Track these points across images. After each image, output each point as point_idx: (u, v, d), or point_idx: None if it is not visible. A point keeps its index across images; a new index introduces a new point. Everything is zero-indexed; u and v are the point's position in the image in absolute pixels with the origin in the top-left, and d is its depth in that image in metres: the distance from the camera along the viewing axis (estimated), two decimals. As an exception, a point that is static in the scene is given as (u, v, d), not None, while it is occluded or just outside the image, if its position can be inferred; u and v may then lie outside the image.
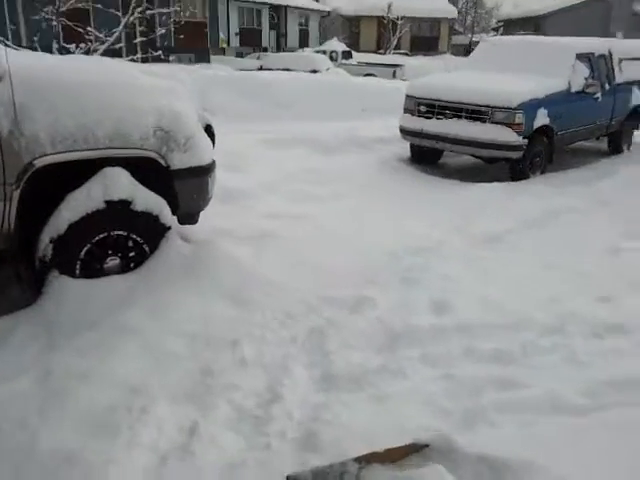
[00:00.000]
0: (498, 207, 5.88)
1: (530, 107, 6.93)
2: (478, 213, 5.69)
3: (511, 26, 41.45)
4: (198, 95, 8.71)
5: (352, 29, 41.54)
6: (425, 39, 42.24)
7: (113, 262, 3.39)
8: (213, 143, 4.36)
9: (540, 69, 7.57)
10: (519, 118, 6.83)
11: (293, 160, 7.23)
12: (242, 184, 5.87)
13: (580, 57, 7.87)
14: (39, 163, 2.99)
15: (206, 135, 3.96)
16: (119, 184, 3.28)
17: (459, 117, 7.16)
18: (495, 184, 6.76)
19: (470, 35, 53.09)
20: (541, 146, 7.31)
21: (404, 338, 3.22)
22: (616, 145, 9.28)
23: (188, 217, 3.82)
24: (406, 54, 37.73)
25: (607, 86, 8.28)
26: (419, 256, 4.45)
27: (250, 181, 6.06)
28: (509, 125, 6.85)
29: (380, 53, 36.64)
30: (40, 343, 2.81)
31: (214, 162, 3.92)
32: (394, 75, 23.21)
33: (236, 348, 2.88)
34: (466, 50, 48.12)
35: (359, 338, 3.18)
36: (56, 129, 3.02)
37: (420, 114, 7.54)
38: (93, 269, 3.32)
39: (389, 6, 36.72)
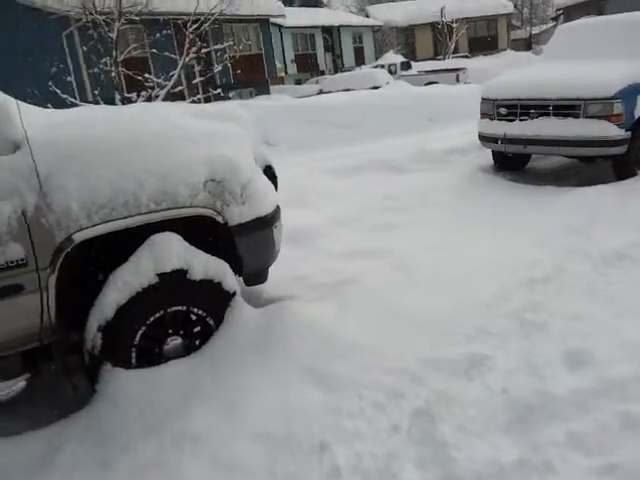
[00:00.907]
0: (613, 215, 5.00)
1: (629, 94, 5.98)
2: (591, 224, 4.83)
3: (572, 13, 39.22)
4: (258, 130, 8.31)
5: (407, 39, 40.84)
6: (483, 39, 40.88)
7: (174, 343, 2.88)
8: (275, 186, 3.84)
9: (630, 50, 6.61)
10: (618, 108, 5.91)
11: (365, 187, 6.63)
12: (312, 221, 5.32)
13: (679, 30, 6.85)
14: (75, 239, 2.54)
15: (266, 178, 3.43)
16: (171, 252, 2.79)
17: (546, 115, 6.31)
18: (600, 187, 5.84)
19: (529, 28, 51.10)
20: (648, 136, 6.33)
21: (539, 412, 2.50)
22: None
23: (255, 277, 3.28)
24: (465, 56, 36.62)
25: None
26: (534, 290, 3.69)
27: (320, 217, 5.50)
28: (607, 117, 5.94)
29: (439, 59, 35.74)
30: (92, 459, 2.32)
31: (278, 208, 3.38)
32: (457, 79, 22.31)
33: (325, 453, 2.26)
34: (527, 44, 46.28)
35: (480, 417, 2.49)
36: (90, 197, 2.56)
37: (501, 117, 6.74)
38: (151, 355, 2.82)
39: (442, 11, 35.86)
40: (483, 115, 7.05)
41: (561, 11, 43.63)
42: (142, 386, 2.60)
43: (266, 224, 3.18)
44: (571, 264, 4.08)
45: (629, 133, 6.00)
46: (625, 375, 2.75)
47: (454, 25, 35.71)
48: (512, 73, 7.67)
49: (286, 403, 2.51)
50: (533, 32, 50.70)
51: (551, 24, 52.37)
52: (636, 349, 2.98)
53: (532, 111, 6.40)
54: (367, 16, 40.12)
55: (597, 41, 7.10)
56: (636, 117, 6.05)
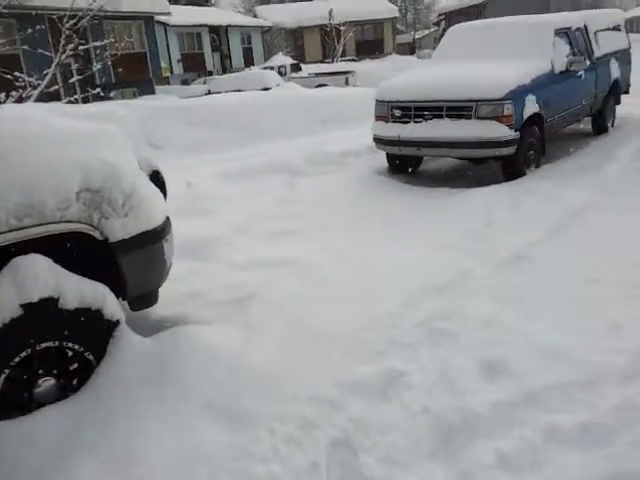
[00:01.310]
0: (508, 215, 5.07)
1: (518, 95, 6.15)
2: (488, 225, 4.87)
3: (453, 18, 41.39)
4: (142, 132, 7.74)
5: (296, 41, 40.94)
6: (370, 42, 41.86)
7: (47, 385, 2.43)
8: (164, 193, 3.45)
9: (518, 51, 6.85)
10: (508, 109, 6.05)
11: (261, 191, 6.32)
12: (207, 230, 4.92)
13: (558, 33, 7.18)
14: None
15: (153, 185, 3.04)
16: (37, 277, 2.33)
17: (440, 117, 6.34)
18: (493, 187, 5.95)
19: (413, 32, 53.13)
20: (533, 137, 6.54)
21: (463, 432, 2.34)
22: (601, 124, 8.60)
23: (142, 300, 2.88)
24: (353, 60, 37.28)
25: (587, 62, 7.59)
26: (441, 296, 3.58)
27: (216, 224, 5.11)
28: (498, 119, 6.06)
29: (327, 62, 36.09)
30: None
31: (168, 220, 3.00)
32: (347, 82, 22.56)
33: (236, 509, 1.95)
34: (411, 48, 48.06)
35: (404, 444, 2.28)
36: None
37: (395, 119, 6.70)
38: (19, 402, 2.35)
39: (330, 13, 36.23)
40: (378, 117, 6.99)
41: (443, 16, 45.87)
42: (7, 441, 2.13)
43: (154, 238, 2.80)
44: (473, 267, 4.03)
45: (518, 134, 6.16)
46: (543, 383, 2.67)
47: (342, 28, 36.21)
48: (406, 75, 7.70)
49: (187, 449, 2.15)
50: (416, 37, 52.77)
51: (433, 29, 54.88)
52: (550, 354, 2.93)
53: (426, 113, 6.40)
54: (255, 17, 39.74)
55: (486, 43, 7.29)
56: (525, 118, 6.23)
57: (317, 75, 24.21)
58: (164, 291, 3.06)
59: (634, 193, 5.56)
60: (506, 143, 6.11)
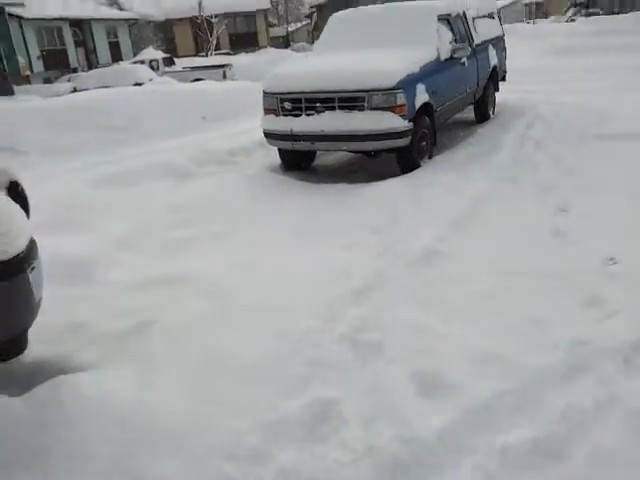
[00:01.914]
0: (412, 210, 4.90)
1: (409, 84, 6.02)
2: (394, 221, 4.66)
3: (324, 9, 41.75)
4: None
5: (166, 35, 39.31)
6: (244, 35, 41.15)
7: None
8: (26, 209, 2.85)
9: (404, 39, 6.74)
10: (401, 99, 5.90)
11: (146, 197, 5.70)
12: (86, 246, 4.30)
13: (441, 19, 7.16)
14: None
15: (11, 202, 2.46)
16: None
17: (332, 109, 6.07)
18: (392, 181, 5.80)
19: (286, 26, 53.06)
20: (425, 127, 6.46)
21: (415, 470, 2.04)
22: (484, 112, 8.79)
23: (7, 347, 2.30)
24: (228, 53, 36.41)
25: (469, 49, 7.67)
26: (360, 303, 3.29)
27: (96, 240, 4.49)
28: (391, 109, 5.89)
29: (201, 56, 34.99)
30: None
31: (33, 243, 2.44)
32: (224, 76, 21.83)
33: None
34: (285, 41, 47.93)
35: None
36: None
37: (286, 112, 6.35)
38: None
39: (200, 4, 35.11)
40: (267, 111, 6.60)
41: (314, 9, 46.10)
42: None
43: (15, 269, 2.23)
44: (387, 267, 3.80)
45: (412, 124, 6.04)
46: (482, 396, 2.46)
47: (214, 20, 35.23)
48: (293, 65, 7.36)
49: None
50: (290, 30, 52.77)
51: (305, 22, 55.15)
52: (481, 360, 2.73)
53: (318, 105, 6.11)
54: (121, 9, 37.60)
55: (370, 31, 7.12)
56: (417, 107, 6.12)
57: (193, 69, 23.25)
58: (38, 326, 2.50)
59: (527, 181, 5.64)
60: (401, 134, 5.97)
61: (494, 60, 8.80)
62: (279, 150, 6.91)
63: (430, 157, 6.72)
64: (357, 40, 7.04)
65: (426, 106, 6.37)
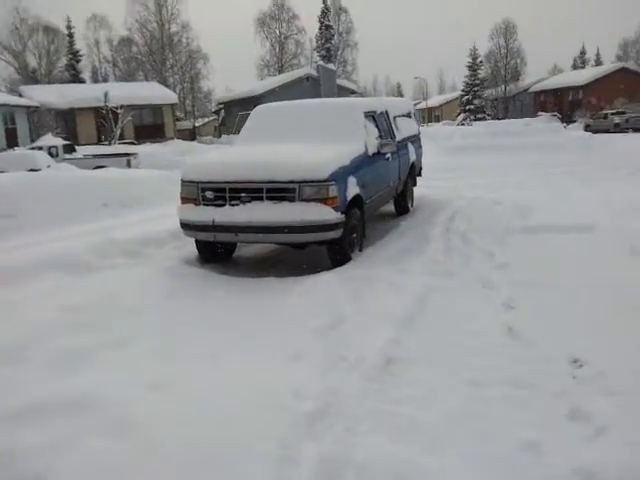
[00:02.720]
0: (355, 309, 4.40)
1: (341, 176, 5.72)
2: (338, 322, 4.12)
3: (231, 107, 42.69)
4: None
5: (67, 122, 38.22)
6: (150, 126, 40.87)
7: None
8: None
9: (332, 133, 6.54)
10: (333, 191, 5.55)
11: (34, 297, 4.78)
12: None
13: (367, 116, 7.08)
14: None
15: None
16: None
17: (260, 200, 5.60)
18: (325, 275, 5.31)
19: (193, 120, 53.64)
20: (356, 220, 6.14)
21: None
22: (404, 205, 8.74)
23: None
24: (132, 143, 35.81)
25: (395, 144, 7.62)
26: (320, 436, 2.64)
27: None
28: (323, 200, 5.51)
29: (104, 144, 34.12)
30: None
31: None
32: (129, 164, 21.10)
33: None
34: (191, 134, 48.20)
35: None
36: None
37: (207, 202, 5.79)
38: None
39: (106, 95, 34.71)
40: (185, 200, 6.01)
41: (222, 105, 47.02)
42: None
43: None
44: (341, 382, 3.21)
45: (344, 216, 5.69)
46: None
47: (119, 111, 34.80)
48: (217, 153, 6.94)
49: None
50: (196, 124, 53.39)
51: (212, 117, 56.09)
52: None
53: (243, 195, 5.62)
54: (21, 96, 36.35)
55: (296, 124, 6.87)
56: (348, 199, 5.79)
57: (95, 157, 22.36)
58: None
59: (465, 276, 5.38)
60: (333, 226, 5.57)
61: (413, 156, 8.88)
62: (196, 242, 6.27)
63: (360, 250, 6.36)
64: (285, 133, 6.75)
65: (356, 198, 6.08)
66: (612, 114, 34.05)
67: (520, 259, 5.87)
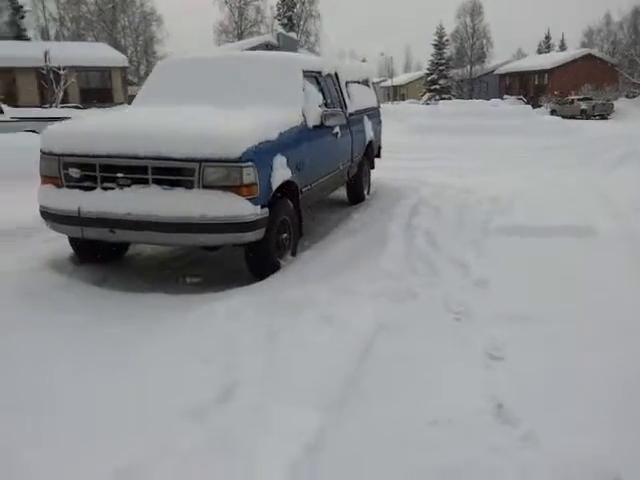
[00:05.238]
0: (261, 370, 2.80)
1: (263, 155, 4.04)
2: (223, 400, 2.52)
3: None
4: None
5: (6, 82, 35.17)
6: (97, 90, 38.08)
7: None
8: None
9: (259, 96, 4.86)
10: (249, 175, 3.88)
11: None
12: None
13: (308, 77, 5.41)
14: None
15: None
16: None
17: (144, 183, 3.91)
18: (234, 297, 3.69)
19: (146, 85, 50.68)
20: (287, 215, 4.52)
21: None
22: (359, 192, 7.14)
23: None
24: (77, 107, 33.12)
25: (343, 116, 5.96)
26: None
27: None
28: (234, 189, 3.86)
29: (47, 107, 31.40)
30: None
31: None
32: (61, 130, 18.91)
33: None
34: (145, 101, 45.46)
35: None
36: None
37: (72, 183, 4.08)
38: None
39: (46, 55, 31.83)
40: (45, 179, 4.26)
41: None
42: None
43: None
44: None
45: (267, 210, 4.06)
46: None
47: (62, 72, 32.05)
48: (91, 118, 5.14)
49: None
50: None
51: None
52: None
53: (121, 175, 3.92)
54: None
55: (213, 83, 5.15)
56: (274, 187, 4.16)
57: (21, 119, 19.98)
58: None
59: (432, 299, 3.85)
60: (249, 225, 3.93)
61: (370, 133, 7.22)
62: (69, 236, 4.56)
63: (294, 254, 4.76)
64: (194, 94, 5.02)
65: (288, 185, 4.45)
66: (579, 99, 33.14)
67: (503, 274, 4.39)
